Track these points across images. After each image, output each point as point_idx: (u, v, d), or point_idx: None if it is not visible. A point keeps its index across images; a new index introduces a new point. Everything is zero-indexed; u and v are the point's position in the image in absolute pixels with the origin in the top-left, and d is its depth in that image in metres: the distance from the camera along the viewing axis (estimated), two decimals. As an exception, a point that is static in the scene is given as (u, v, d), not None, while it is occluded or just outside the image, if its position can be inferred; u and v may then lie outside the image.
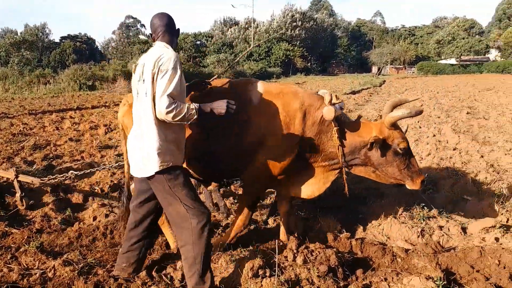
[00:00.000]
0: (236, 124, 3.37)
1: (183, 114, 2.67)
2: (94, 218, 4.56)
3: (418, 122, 11.72)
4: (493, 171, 6.38)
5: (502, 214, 4.37)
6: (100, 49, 69.34)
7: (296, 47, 56.41)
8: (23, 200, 4.79)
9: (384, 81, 38.24)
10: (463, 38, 60.20)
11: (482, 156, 7.37)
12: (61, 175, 5.03)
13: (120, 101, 17.88)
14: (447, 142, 8.80)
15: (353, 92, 23.89)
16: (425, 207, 4.61)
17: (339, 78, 48.83)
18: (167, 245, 3.87)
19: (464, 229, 4.18)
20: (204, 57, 50.83)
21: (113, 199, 5.19)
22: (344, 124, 3.54)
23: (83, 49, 57.02)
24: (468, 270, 3.38)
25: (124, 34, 68.33)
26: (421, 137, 9.45)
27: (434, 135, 9.60)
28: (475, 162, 6.94)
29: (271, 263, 3.27)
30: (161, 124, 2.73)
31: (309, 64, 60.73)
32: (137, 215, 3.15)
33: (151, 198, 3.07)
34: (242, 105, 3.32)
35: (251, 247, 3.65)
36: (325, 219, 4.39)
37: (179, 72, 2.70)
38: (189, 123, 2.86)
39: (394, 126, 3.46)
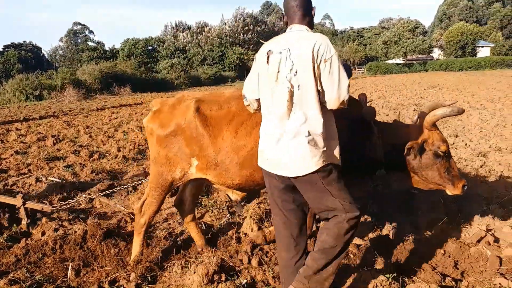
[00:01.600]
0: None
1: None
2: (43, 233, 4.38)
3: (369, 120, 12.07)
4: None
5: (445, 206, 4.58)
6: (47, 57, 66.74)
7: (249, 51, 56.70)
8: (29, 228, 4.52)
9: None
10: (408, 38, 62.73)
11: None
12: (74, 200, 4.84)
13: (71, 110, 17.20)
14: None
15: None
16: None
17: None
18: (121, 257, 3.77)
19: (414, 223, 4.34)
20: (157, 63, 50.03)
21: (62, 212, 4.99)
22: (384, 125, 3.42)
23: (28, 57, 54.71)
24: (416, 261, 3.52)
25: (72, 41, 66.14)
26: (372, 135, 9.73)
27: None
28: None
29: (226, 268, 3.26)
30: (323, 117, 2.46)
31: (262, 67, 61.03)
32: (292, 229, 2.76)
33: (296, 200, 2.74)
34: None
35: (206, 252, 3.63)
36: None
37: (337, 53, 2.43)
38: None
39: (435, 126, 3.29)
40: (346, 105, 2.47)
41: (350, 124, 3.19)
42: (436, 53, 70.24)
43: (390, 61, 64.91)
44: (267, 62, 2.53)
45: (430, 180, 3.37)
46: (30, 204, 4.61)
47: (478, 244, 3.78)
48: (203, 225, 4.40)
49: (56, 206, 4.68)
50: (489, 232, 3.98)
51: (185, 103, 3.37)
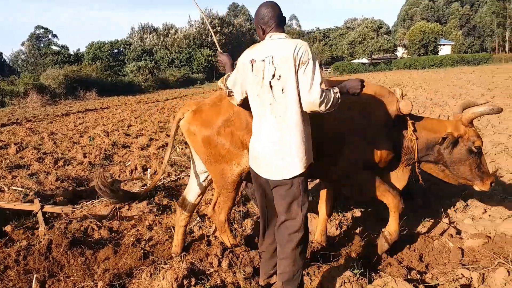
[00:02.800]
0: None
1: (331, 100, 2.50)
2: (5, 245, 4.22)
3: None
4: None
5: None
6: (8, 62, 64.49)
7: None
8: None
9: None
10: (373, 38, 64.07)
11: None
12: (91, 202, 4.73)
13: (35, 116, 16.63)
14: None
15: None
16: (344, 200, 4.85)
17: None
18: (88, 266, 3.68)
19: (380, 218, 4.45)
20: (123, 66, 49.21)
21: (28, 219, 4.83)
22: (418, 118, 3.52)
23: (-13, 63, 52.67)
24: (383, 256, 3.61)
25: (34, 46, 64.19)
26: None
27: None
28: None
29: (196, 272, 3.24)
30: (303, 120, 2.58)
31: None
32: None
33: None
34: None
35: (175, 257, 3.60)
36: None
37: (316, 59, 2.55)
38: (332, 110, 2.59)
39: (472, 123, 3.44)
40: (321, 110, 2.51)
41: (387, 118, 3.37)
42: (400, 52, 72.09)
43: (356, 61, 66.12)
44: (252, 70, 2.65)
45: (460, 175, 3.54)
46: (48, 208, 4.49)
47: (441, 237, 3.92)
48: (172, 230, 4.35)
49: (77, 207, 4.56)
50: (452, 225, 4.13)
51: (227, 99, 3.29)
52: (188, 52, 55.57)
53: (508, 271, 3.02)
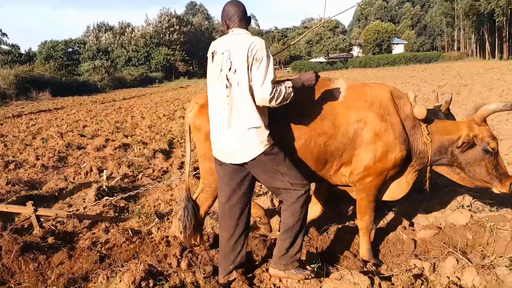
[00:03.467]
0: None
1: (283, 95, 2.69)
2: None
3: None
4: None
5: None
6: None
7: (176, 51, 55.86)
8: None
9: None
10: (329, 38, 65.33)
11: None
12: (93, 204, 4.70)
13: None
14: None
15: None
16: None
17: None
18: (41, 272, 3.55)
19: (337, 212, 4.55)
20: (78, 65, 47.65)
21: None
22: (430, 121, 3.40)
23: None
24: (339, 249, 3.69)
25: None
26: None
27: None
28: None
29: (154, 273, 3.19)
30: (258, 109, 2.73)
31: (191, 67, 60.67)
32: (235, 213, 3.01)
33: (242, 188, 2.98)
34: None
35: (133, 259, 3.53)
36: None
37: (271, 57, 2.69)
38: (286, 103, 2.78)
39: (485, 122, 3.31)
40: (271, 105, 2.69)
41: (403, 121, 3.33)
42: (356, 51, 73.89)
43: (313, 60, 67.20)
44: (212, 61, 2.85)
45: (477, 176, 3.42)
46: (42, 211, 4.37)
47: (395, 229, 4.05)
48: (130, 232, 4.27)
49: (73, 211, 4.44)
50: (405, 217, 4.28)
51: None
52: (146, 51, 54.54)
53: (457, 260, 3.17)
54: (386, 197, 3.64)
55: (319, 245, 3.79)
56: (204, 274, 3.21)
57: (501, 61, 51.81)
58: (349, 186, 3.55)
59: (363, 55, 70.41)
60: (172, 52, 54.92)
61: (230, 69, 2.70)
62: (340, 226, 4.21)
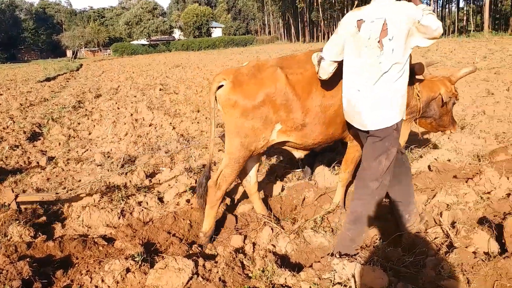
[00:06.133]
0: None
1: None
2: None
3: (116, 103, 11.81)
4: (183, 140, 7.07)
5: (190, 177, 4.88)
6: None
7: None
8: None
9: (81, 64, 36.91)
10: (149, 19, 63.83)
11: (174, 128, 8.07)
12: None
13: None
14: (143, 120, 9.22)
15: (48, 79, 22.09)
16: (124, 188, 4.69)
17: (32, 64, 44.10)
18: None
19: (161, 199, 4.47)
20: None
21: None
22: (419, 80, 3.67)
23: None
24: (165, 237, 3.63)
25: None
26: (119, 118, 9.56)
27: (131, 114, 9.88)
28: (168, 135, 7.53)
29: None
30: (403, 76, 2.82)
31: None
32: None
33: None
34: None
35: None
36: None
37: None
38: None
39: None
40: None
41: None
42: (177, 34, 73.99)
43: (135, 42, 64.93)
44: (359, 29, 2.81)
45: (443, 124, 4.05)
46: (24, 197, 4.16)
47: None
48: None
49: (61, 192, 4.24)
50: (226, 195, 4.45)
51: (269, 70, 3.35)
52: None
53: (272, 228, 3.44)
54: None
55: (144, 235, 3.66)
56: (11, 290, 2.79)
57: (304, 43, 58.32)
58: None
59: (185, 38, 70.91)
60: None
61: (385, 36, 2.71)
62: (164, 211, 4.14)
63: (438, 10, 57.69)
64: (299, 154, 3.89)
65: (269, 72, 3.33)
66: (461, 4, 51.98)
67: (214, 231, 3.65)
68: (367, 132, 2.98)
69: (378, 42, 2.75)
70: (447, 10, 59.34)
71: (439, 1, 58.26)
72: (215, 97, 3.41)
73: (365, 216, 3.04)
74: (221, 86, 3.37)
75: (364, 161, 3.07)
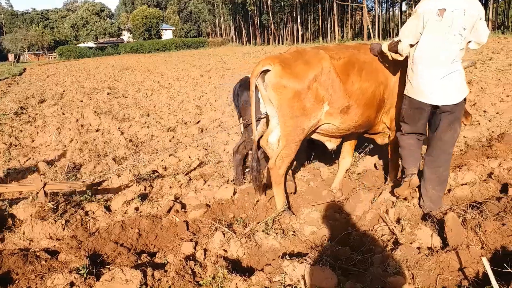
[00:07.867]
0: None
1: None
2: None
3: (61, 109, 11.32)
4: (132, 145, 6.88)
5: (139, 183, 4.75)
6: None
7: None
8: None
9: (25, 69, 35.11)
10: (96, 22, 61.84)
11: (122, 133, 7.83)
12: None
13: None
14: (90, 125, 8.90)
15: (-14, 85, 20.82)
16: (68, 197, 4.48)
17: (-33, 69, 41.37)
18: None
19: (108, 208, 4.31)
20: None
21: None
22: None
23: None
24: (112, 247, 3.49)
25: None
26: (64, 124, 9.16)
27: (77, 120, 9.50)
28: (116, 140, 7.30)
29: None
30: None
31: None
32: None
33: None
34: None
35: None
36: None
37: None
38: None
39: None
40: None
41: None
42: (126, 36, 72.22)
43: (82, 45, 62.71)
44: (441, 17, 3.19)
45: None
46: (52, 186, 4.24)
47: (168, 214, 4.07)
48: None
49: (88, 181, 4.34)
50: (177, 201, 4.36)
51: (312, 52, 3.63)
52: None
53: (224, 233, 3.40)
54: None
55: (90, 246, 3.50)
56: None
57: (255, 46, 58.70)
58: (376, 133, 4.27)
59: (134, 40, 69.30)
60: None
61: (461, 26, 3.15)
62: (111, 221, 3.99)
63: (383, 13, 59.81)
64: (332, 145, 4.14)
65: (313, 53, 3.61)
66: (404, 8, 53.68)
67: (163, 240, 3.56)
68: (438, 108, 3.38)
69: (457, 30, 3.17)
70: (391, 13, 61.68)
71: (383, 4, 60.41)
72: (259, 81, 3.60)
73: (447, 175, 3.60)
74: (266, 71, 3.51)
75: (438, 134, 3.47)
